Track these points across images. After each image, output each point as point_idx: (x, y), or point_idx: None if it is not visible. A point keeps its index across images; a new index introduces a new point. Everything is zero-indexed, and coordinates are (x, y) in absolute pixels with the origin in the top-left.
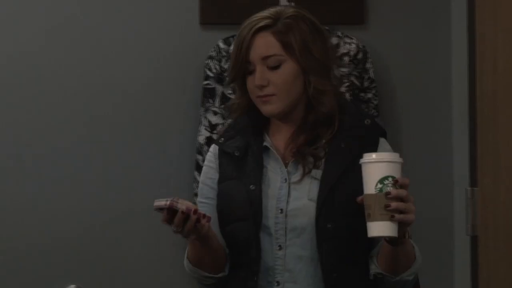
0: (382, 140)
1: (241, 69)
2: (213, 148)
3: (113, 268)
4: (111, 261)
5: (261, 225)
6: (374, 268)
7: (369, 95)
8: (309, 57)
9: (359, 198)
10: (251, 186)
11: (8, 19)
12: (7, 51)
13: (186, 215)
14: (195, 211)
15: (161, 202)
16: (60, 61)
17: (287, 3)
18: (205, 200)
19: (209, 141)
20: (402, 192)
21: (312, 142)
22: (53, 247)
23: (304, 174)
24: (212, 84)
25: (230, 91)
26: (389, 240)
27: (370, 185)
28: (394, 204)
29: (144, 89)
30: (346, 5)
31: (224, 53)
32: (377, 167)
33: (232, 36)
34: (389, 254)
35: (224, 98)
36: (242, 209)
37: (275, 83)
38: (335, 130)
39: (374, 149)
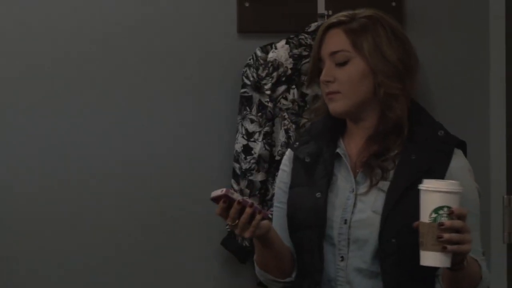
0: (457, 153)
1: (316, 67)
2: (289, 152)
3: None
4: (151, 270)
5: (325, 235)
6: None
7: None
8: (380, 59)
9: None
10: (317, 194)
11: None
12: (64, 49)
13: (241, 206)
14: (251, 205)
15: (218, 192)
16: (108, 63)
17: (324, 11)
18: (278, 204)
19: (245, 149)
20: (457, 224)
21: (382, 153)
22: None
23: (371, 186)
24: (249, 92)
25: (267, 99)
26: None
27: (425, 213)
28: (446, 236)
29: (181, 96)
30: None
31: (261, 61)
32: (433, 196)
33: (270, 44)
34: (450, 278)
35: (261, 106)
36: (307, 217)
37: (340, 80)
38: (404, 140)
39: (447, 162)
